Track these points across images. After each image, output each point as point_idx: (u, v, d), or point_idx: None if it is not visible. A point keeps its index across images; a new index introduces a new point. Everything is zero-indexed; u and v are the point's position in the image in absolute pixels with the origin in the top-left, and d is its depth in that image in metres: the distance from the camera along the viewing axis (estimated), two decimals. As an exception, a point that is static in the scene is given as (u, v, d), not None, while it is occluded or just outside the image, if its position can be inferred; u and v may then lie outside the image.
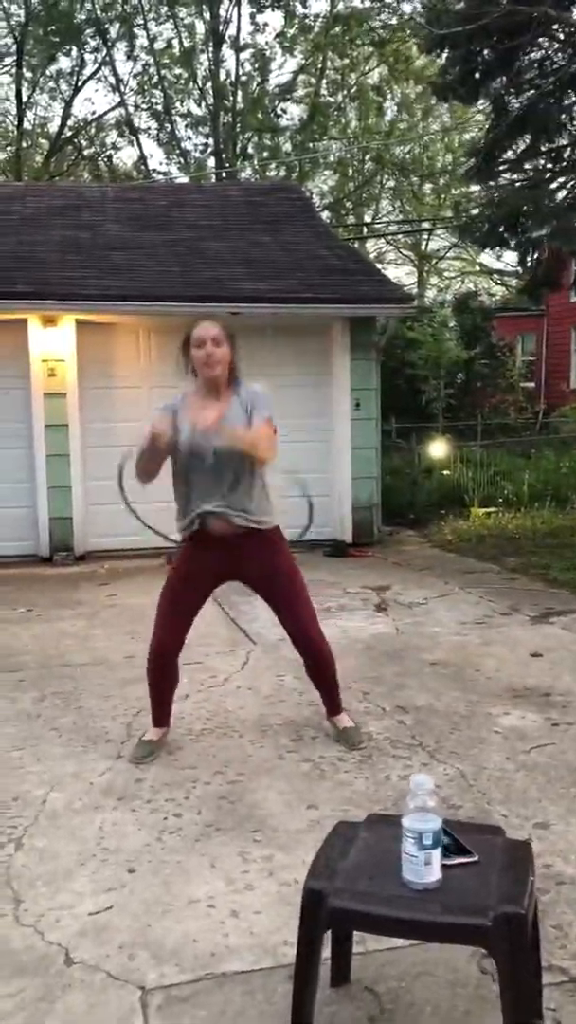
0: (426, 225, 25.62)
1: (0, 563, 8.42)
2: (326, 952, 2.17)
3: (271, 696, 4.57)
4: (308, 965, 1.87)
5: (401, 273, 31.65)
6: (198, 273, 9.27)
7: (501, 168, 9.42)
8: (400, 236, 28.66)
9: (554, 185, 8.78)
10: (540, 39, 8.31)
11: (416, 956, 2.39)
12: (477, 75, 8.86)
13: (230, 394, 3.68)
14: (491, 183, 9.76)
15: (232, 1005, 2.21)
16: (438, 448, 11.91)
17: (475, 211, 9.59)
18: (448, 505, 11.05)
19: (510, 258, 27.22)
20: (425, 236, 28.61)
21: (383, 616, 6.26)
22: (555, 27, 8.17)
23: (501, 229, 8.69)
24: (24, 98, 22.51)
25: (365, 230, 26.31)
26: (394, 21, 19.57)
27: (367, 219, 27.70)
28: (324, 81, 21.52)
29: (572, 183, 9.15)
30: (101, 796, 3.42)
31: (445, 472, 11.54)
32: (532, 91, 8.65)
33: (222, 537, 3.62)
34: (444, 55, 8.56)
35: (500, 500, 11.11)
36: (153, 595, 6.89)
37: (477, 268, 32.38)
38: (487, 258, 31.32)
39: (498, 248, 13.52)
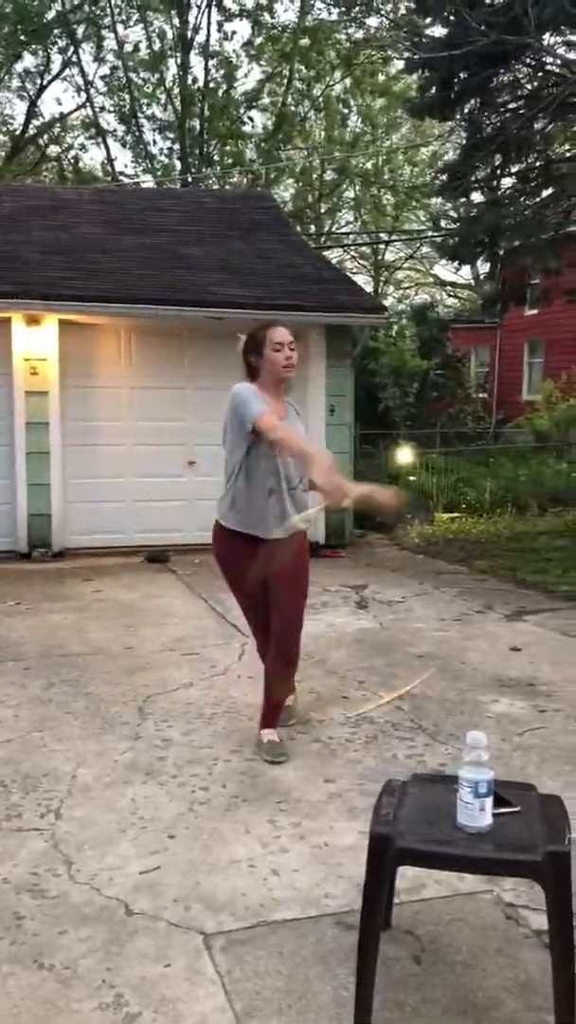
0: (387, 236, 26.11)
1: (-20, 558, 8.53)
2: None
3: (272, 684, 4.79)
4: (376, 903, 2.10)
5: (358, 283, 32.10)
6: (179, 278, 9.47)
7: (473, 185, 9.78)
8: (358, 246, 29.12)
9: (526, 202, 9.17)
10: (515, 64, 8.69)
11: (446, 905, 2.65)
12: (452, 95, 9.21)
13: (283, 397, 3.88)
14: (463, 199, 10.11)
15: (287, 946, 2.45)
16: (404, 455, 12.26)
17: (454, 226, 9.93)
18: (413, 510, 11.38)
19: (465, 272, 27.89)
20: (383, 246, 29.14)
21: (365, 613, 6.53)
22: (528, 54, 8.55)
23: (475, 245, 9.04)
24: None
25: (324, 239, 26.69)
26: (360, 35, 19.97)
27: (326, 229, 28.11)
28: (290, 91, 21.82)
29: (540, 202, 9.56)
30: (127, 772, 3.62)
31: (411, 478, 11.88)
32: (506, 112, 9.02)
33: None
34: (422, 76, 8.88)
35: (463, 506, 11.50)
36: (139, 591, 7.16)
37: (431, 280, 33.06)
38: (441, 270, 32.05)
39: (461, 263, 14.01)
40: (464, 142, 9.79)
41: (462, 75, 8.76)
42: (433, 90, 9.10)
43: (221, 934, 2.50)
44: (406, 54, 8.84)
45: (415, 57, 8.22)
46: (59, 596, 7.07)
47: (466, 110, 9.36)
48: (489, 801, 2.10)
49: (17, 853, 2.96)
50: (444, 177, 10.38)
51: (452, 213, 11.14)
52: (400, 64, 12.14)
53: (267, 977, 2.31)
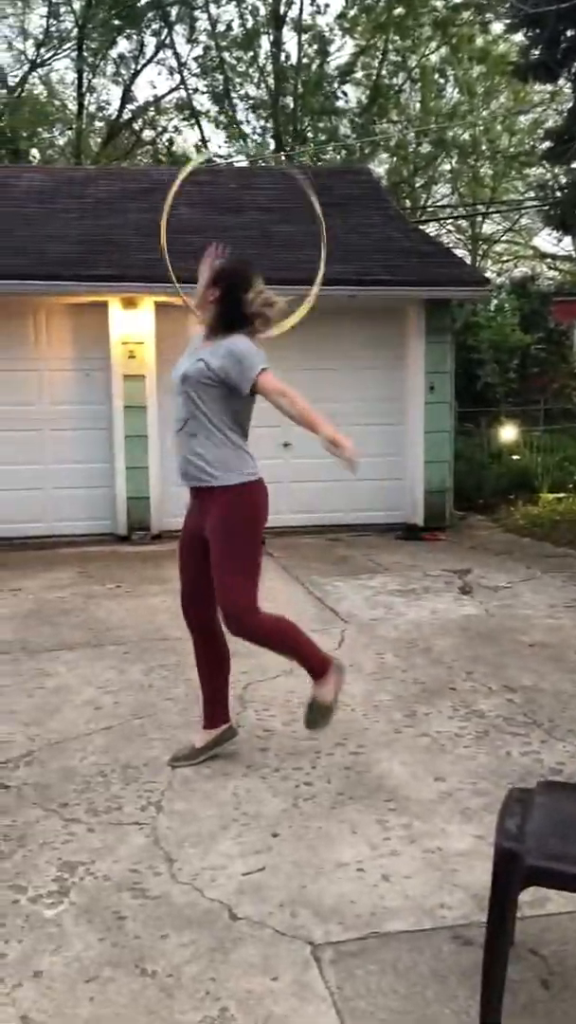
0: (484, 208, 25.37)
1: (81, 541, 8.61)
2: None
3: (375, 673, 4.63)
4: (503, 924, 1.93)
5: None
6: (274, 255, 9.30)
7: (581, 149, 9.29)
8: (455, 219, 28.39)
9: None
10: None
11: (573, 923, 2.44)
12: (559, 55, 8.75)
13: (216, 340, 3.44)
14: (568, 166, 9.65)
15: (402, 961, 2.28)
16: (508, 432, 11.86)
17: (558, 194, 9.47)
18: (516, 490, 11.01)
19: (567, 243, 26.89)
20: (480, 219, 28.32)
21: (469, 599, 6.28)
22: None
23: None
24: (84, 82, 22.64)
25: (420, 213, 26.13)
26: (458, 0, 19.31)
27: (422, 203, 27.48)
28: (385, 63, 21.32)
29: None
30: (228, 764, 3.52)
31: (514, 457, 11.48)
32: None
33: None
34: (527, 34, 8.46)
35: (570, 485, 11.05)
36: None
37: (531, 252, 32.01)
38: (541, 242, 30.98)
39: (566, 232, 13.43)
40: (571, 104, 9.30)
41: (569, 32, 8.31)
42: (538, 50, 8.66)
43: (330, 945, 2.36)
44: (508, 13, 8.40)
45: (519, 14, 7.80)
46: (157, 579, 7.04)
47: (573, 70, 8.88)
48: (630, 817, 1.89)
49: (117, 848, 2.88)
50: (548, 143, 9.91)
51: (555, 181, 10.63)
52: (500, 28, 11.64)
53: (381, 996, 2.16)
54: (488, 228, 29.67)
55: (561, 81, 9.61)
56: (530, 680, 4.45)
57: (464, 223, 28.47)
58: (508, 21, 8.61)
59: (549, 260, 31.97)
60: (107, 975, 2.26)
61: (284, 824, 3.02)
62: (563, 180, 10.04)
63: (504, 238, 31.25)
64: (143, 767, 3.50)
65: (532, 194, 24.74)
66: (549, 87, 12.76)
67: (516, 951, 2.30)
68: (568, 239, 23.84)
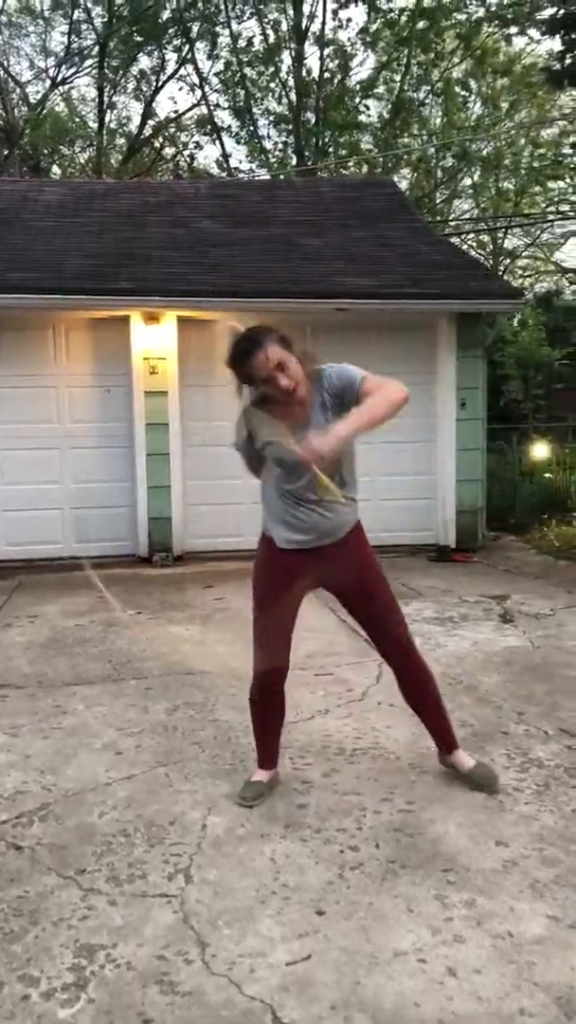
0: (507, 222, 25.06)
1: (102, 563, 8.28)
2: None
3: (418, 714, 4.26)
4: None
5: (477, 272, 30.86)
6: (300, 269, 9.02)
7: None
8: (474, 234, 28.09)
9: None
10: None
11: None
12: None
13: (311, 394, 3.07)
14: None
15: None
16: (540, 450, 11.49)
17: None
18: (549, 509, 10.64)
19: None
20: (501, 234, 28.01)
21: (512, 628, 5.91)
22: None
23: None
24: (105, 99, 22.57)
25: (443, 227, 25.86)
26: (481, 12, 19.13)
27: (440, 217, 27.18)
28: (408, 77, 21.08)
29: None
30: (264, 823, 3.16)
31: (547, 475, 11.11)
32: None
33: None
34: (565, 38, 8.14)
35: (605, 506, 10.67)
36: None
37: (551, 267, 31.64)
38: (563, 256, 30.59)
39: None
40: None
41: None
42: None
43: (394, 1064, 2.01)
44: (546, 13, 8.09)
45: (558, 15, 7.49)
46: (180, 604, 6.73)
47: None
48: None
49: (142, 928, 2.53)
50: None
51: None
52: (524, 40, 11.30)
53: None
54: (510, 243, 29.38)
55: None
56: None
57: (486, 237, 28.20)
58: (545, 24, 8.31)
59: (572, 275, 31.61)
60: None
61: (330, 899, 2.66)
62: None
63: (526, 253, 30.94)
64: (169, 826, 3.16)
65: (554, 209, 24.47)
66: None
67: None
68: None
